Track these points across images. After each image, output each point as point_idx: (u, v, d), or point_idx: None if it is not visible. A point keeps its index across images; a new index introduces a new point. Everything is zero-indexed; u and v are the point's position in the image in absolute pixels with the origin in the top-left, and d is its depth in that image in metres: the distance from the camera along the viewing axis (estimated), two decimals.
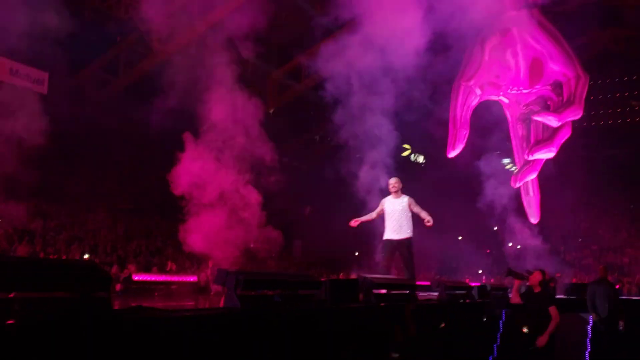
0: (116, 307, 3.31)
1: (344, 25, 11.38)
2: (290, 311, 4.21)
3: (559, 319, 5.79)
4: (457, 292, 7.65)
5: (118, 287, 9.58)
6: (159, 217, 17.81)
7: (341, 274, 16.76)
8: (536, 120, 12.84)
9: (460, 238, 23.94)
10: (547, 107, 12.71)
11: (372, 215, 7.82)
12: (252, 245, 8.97)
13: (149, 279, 10.02)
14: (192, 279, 10.31)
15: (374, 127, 10.86)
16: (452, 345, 6.63)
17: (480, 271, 21.82)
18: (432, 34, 10.30)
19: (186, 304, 5.94)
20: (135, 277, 9.76)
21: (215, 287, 8.87)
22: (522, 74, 12.52)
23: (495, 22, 12.27)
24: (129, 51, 17.89)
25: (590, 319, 8.40)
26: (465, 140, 12.21)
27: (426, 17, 10.06)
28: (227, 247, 8.13)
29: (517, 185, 13.71)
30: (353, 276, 10.16)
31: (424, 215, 7.36)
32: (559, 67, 12.27)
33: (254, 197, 8.62)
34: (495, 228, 18.48)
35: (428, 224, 7.27)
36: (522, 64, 12.43)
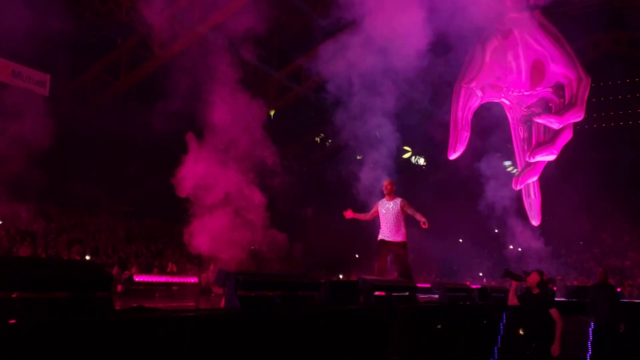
0: (117, 308, 3.33)
1: (345, 28, 11.40)
2: (290, 312, 4.22)
3: (562, 320, 5.67)
4: (458, 294, 7.65)
5: (119, 288, 9.58)
6: (160, 220, 17.86)
7: (341, 276, 16.76)
8: (537, 123, 12.85)
9: (460, 240, 23.93)
10: (548, 109, 12.72)
11: (367, 215, 7.83)
12: (257, 247, 8.97)
13: (150, 280, 10.02)
14: (194, 280, 10.32)
15: (375, 129, 10.88)
16: (452, 348, 6.62)
17: (481, 274, 21.80)
18: (433, 36, 10.31)
19: (187, 304, 5.95)
20: (137, 278, 9.76)
21: (216, 289, 8.89)
22: (523, 76, 12.52)
23: (496, 23, 12.29)
24: (130, 54, 17.93)
25: (591, 322, 8.39)
26: (466, 142, 12.22)
27: (427, 19, 10.07)
28: (233, 248, 8.13)
29: (518, 187, 13.71)
30: (353, 278, 10.15)
31: (419, 217, 7.32)
32: (560, 69, 12.27)
33: (259, 198, 8.62)
34: (496, 230, 18.48)
35: (424, 226, 7.24)
36: (524, 65, 12.43)
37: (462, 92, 12.32)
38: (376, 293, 5.63)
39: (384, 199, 7.66)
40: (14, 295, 2.64)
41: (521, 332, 5.89)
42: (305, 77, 21.38)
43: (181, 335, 3.21)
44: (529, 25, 12.29)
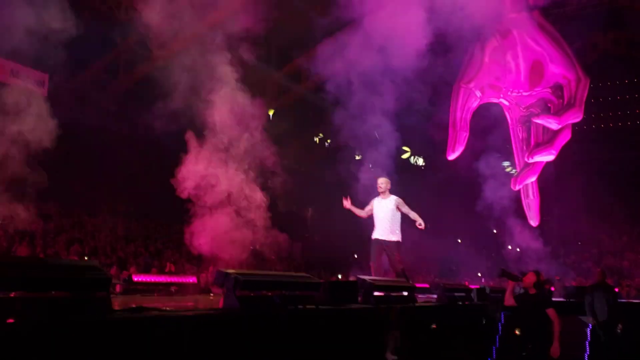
0: (116, 307, 3.32)
1: (344, 27, 11.41)
2: (289, 312, 4.22)
3: (559, 320, 5.66)
4: (456, 294, 7.66)
5: (118, 287, 9.57)
6: (159, 220, 17.84)
7: (340, 276, 16.76)
8: (536, 123, 12.87)
9: (459, 241, 23.93)
10: (547, 109, 12.74)
11: (362, 212, 7.63)
12: (258, 248, 8.95)
13: (149, 279, 10.00)
14: (192, 280, 10.31)
15: (374, 128, 10.88)
16: (450, 348, 6.63)
17: (479, 274, 21.81)
18: (432, 36, 10.31)
19: (186, 304, 5.94)
20: (135, 278, 9.74)
21: (215, 289, 8.88)
22: (522, 77, 12.55)
23: (495, 24, 12.30)
24: (129, 53, 17.91)
25: (589, 322, 8.41)
26: (465, 142, 12.24)
27: (426, 19, 10.07)
28: (234, 248, 8.11)
29: (517, 187, 13.73)
30: (352, 278, 10.15)
31: (414, 216, 7.23)
32: (559, 69, 12.30)
33: (260, 198, 8.59)
34: (495, 231, 18.49)
35: (420, 226, 7.16)
36: (523, 66, 12.46)
37: (461, 92, 12.34)
38: (375, 293, 5.63)
39: (379, 197, 7.58)
40: (12, 295, 2.63)
41: (517, 333, 5.89)
42: (304, 76, 21.39)
43: (180, 335, 3.21)
44: (528, 25, 12.32)
